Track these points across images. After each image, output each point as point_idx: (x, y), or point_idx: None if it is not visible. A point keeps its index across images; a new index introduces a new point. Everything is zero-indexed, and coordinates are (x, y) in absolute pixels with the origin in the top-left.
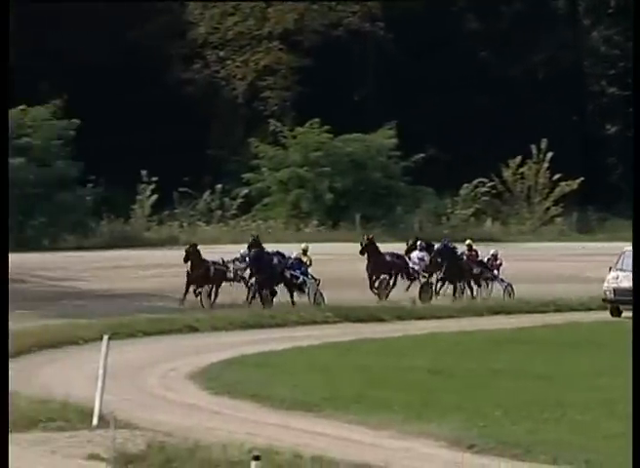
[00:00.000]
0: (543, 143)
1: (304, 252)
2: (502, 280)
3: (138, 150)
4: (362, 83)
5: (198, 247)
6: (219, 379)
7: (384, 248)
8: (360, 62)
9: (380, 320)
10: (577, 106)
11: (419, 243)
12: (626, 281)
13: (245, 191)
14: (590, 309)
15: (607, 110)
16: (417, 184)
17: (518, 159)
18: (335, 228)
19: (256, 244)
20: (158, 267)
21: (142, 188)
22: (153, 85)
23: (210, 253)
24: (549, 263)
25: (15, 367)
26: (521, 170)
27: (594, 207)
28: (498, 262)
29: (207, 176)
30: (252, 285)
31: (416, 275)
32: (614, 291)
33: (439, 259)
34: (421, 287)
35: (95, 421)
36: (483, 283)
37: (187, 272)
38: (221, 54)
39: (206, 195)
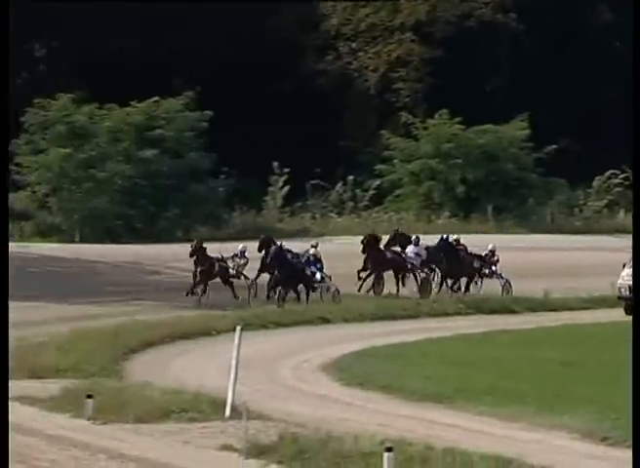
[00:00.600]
0: None
1: (314, 248)
2: (501, 276)
3: (270, 142)
4: (494, 74)
5: (204, 244)
6: (350, 371)
7: (515, 239)
8: (492, 54)
9: (513, 312)
10: None
11: (415, 237)
12: None
13: (377, 183)
14: None
15: None
16: (549, 176)
17: None
18: (466, 220)
19: (267, 241)
20: None
21: (275, 180)
22: (286, 77)
23: (342, 244)
24: None
25: (148, 358)
26: None
27: None
28: (495, 258)
29: (339, 168)
30: (271, 283)
31: (413, 270)
32: (629, 288)
33: (440, 255)
34: (421, 282)
35: (227, 412)
36: (479, 279)
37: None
38: (354, 45)
39: (338, 186)
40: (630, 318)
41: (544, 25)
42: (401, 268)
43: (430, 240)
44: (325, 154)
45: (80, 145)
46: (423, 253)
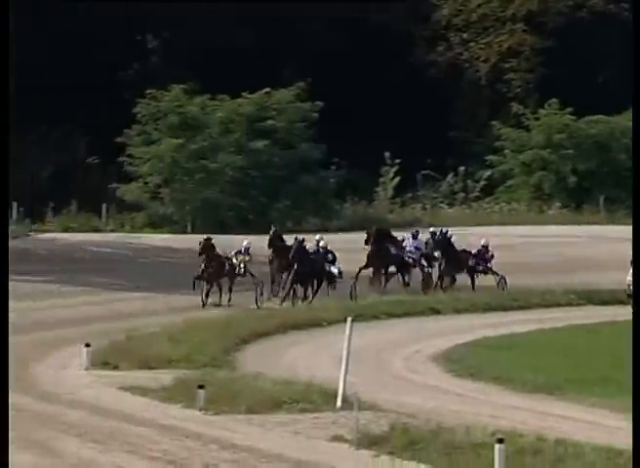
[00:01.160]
0: None
1: (318, 243)
2: (496, 272)
3: (381, 132)
4: (606, 64)
5: (213, 240)
6: (461, 362)
7: (628, 231)
8: (604, 44)
9: (622, 303)
10: None
11: (414, 231)
12: None
13: (488, 173)
14: None
15: None
16: None
17: None
18: (578, 210)
19: (277, 238)
20: None
21: (386, 170)
22: (397, 67)
23: (453, 235)
24: None
25: (260, 348)
26: None
27: None
28: (489, 254)
29: (450, 159)
30: (290, 280)
31: (414, 265)
32: None
33: (438, 251)
34: (423, 278)
35: (338, 403)
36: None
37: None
38: (465, 36)
39: (449, 177)
40: None
41: None
42: (405, 264)
43: (540, 230)
44: (436, 145)
45: (192, 136)
46: (423, 247)
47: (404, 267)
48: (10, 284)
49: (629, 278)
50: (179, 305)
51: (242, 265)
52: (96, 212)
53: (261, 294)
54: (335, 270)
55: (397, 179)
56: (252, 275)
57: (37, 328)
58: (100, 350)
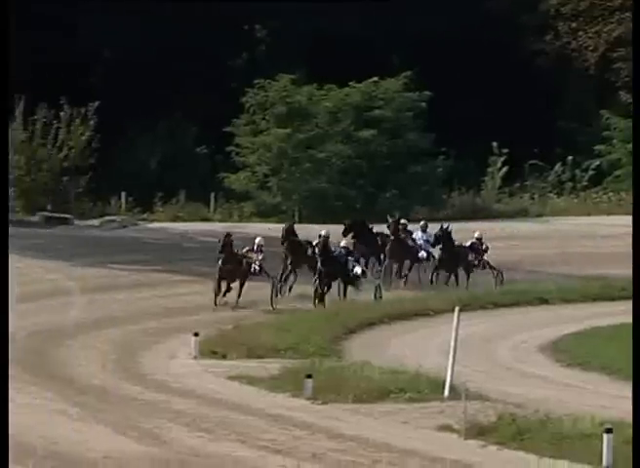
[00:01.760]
0: None
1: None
2: (493, 267)
3: (488, 122)
4: None
5: (232, 237)
6: (570, 352)
7: None
8: None
9: None
10: None
11: (422, 224)
12: None
13: (596, 163)
14: None
15: None
16: None
17: None
18: None
19: (290, 231)
20: (508, 239)
21: (493, 160)
22: (505, 56)
23: (563, 225)
24: None
25: (367, 337)
26: None
27: None
28: (483, 247)
29: (558, 148)
30: (315, 280)
31: (428, 259)
32: None
33: (439, 246)
34: (433, 271)
35: (446, 392)
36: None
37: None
38: (573, 25)
39: (557, 167)
40: None
41: None
42: (418, 259)
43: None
44: (544, 134)
45: (299, 126)
46: (432, 240)
47: (419, 262)
48: (120, 273)
49: None
50: (286, 294)
51: (260, 263)
52: (204, 201)
53: (277, 295)
54: (358, 270)
55: (505, 169)
56: (267, 274)
57: (146, 317)
58: (209, 339)
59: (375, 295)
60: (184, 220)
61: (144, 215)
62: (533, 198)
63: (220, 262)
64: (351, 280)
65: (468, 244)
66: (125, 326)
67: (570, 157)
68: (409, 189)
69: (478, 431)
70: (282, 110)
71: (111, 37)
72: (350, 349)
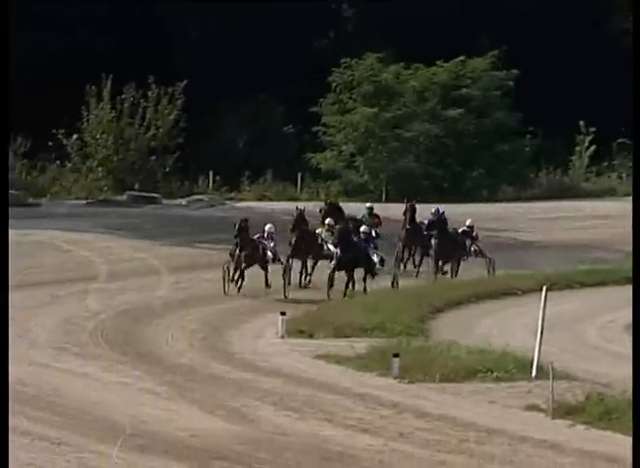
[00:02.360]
0: None
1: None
2: (485, 255)
3: (575, 101)
4: None
5: (249, 222)
6: None
7: None
8: None
9: None
10: None
11: (433, 208)
12: None
13: None
14: None
15: None
16: None
17: None
18: None
19: (301, 218)
20: (595, 218)
21: (581, 139)
22: (593, 34)
23: None
24: None
25: (454, 317)
26: None
27: None
28: (474, 234)
29: None
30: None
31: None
32: None
33: (433, 232)
34: (435, 259)
35: (533, 372)
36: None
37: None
38: None
39: None
40: None
41: None
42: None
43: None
44: (631, 113)
45: (386, 105)
46: (467, 230)
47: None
48: (207, 252)
49: None
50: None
51: (272, 251)
52: (291, 180)
53: (289, 283)
54: (376, 258)
55: (592, 148)
56: (281, 262)
57: (234, 297)
58: (296, 318)
59: (392, 284)
60: (271, 200)
61: (232, 195)
62: (621, 177)
63: (236, 248)
64: (371, 268)
65: (460, 231)
66: (212, 305)
67: None
68: (496, 168)
69: (565, 410)
70: (369, 89)
71: (197, 19)
72: (437, 328)
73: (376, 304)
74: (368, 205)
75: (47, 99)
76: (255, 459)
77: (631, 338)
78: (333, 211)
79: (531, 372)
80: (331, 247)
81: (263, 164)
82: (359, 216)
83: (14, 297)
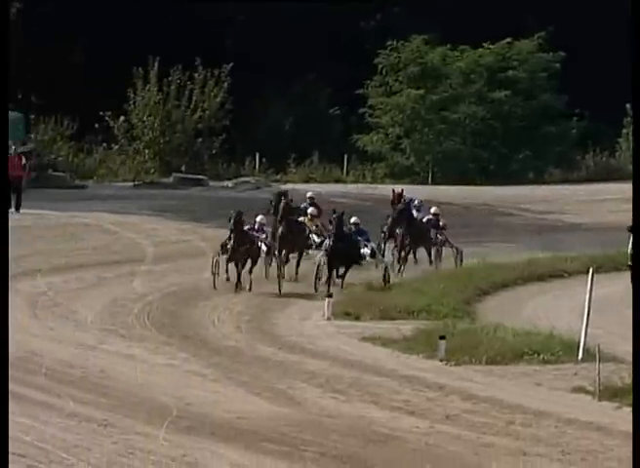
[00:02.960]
0: None
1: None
2: (452, 245)
3: (623, 82)
4: None
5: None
6: None
7: None
8: None
9: None
10: None
11: (416, 202)
12: None
13: None
14: None
15: None
16: None
17: None
18: None
19: (287, 208)
20: None
21: (628, 121)
22: None
23: None
24: None
25: (500, 299)
26: None
27: None
28: (441, 224)
29: None
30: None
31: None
32: None
33: (400, 222)
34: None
35: (580, 354)
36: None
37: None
38: None
39: None
40: None
41: None
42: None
43: None
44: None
45: (432, 87)
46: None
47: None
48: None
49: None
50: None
51: (267, 244)
52: (337, 162)
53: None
54: (367, 251)
55: None
56: (274, 255)
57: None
58: (342, 301)
59: (383, 277)
60: (317, 182)
61: (278, 177)
62: None
63: (231, 242)
64: (359, 263)
65: (425, 220)
66: (258, 287)
67: None
68: (543, 150)
69: (612, 393)
70: (415, 71)
71: (244, 1)
72: (484, 310)
73: (422, 287)
74: (309, 195)
75: (94, 82)
76: (301, 441)
77: None
78: (280, 200)
79: (577, 355)
80: (314, 237)
81: (310, 146)
82: (302, 206)
83: (60, 279)
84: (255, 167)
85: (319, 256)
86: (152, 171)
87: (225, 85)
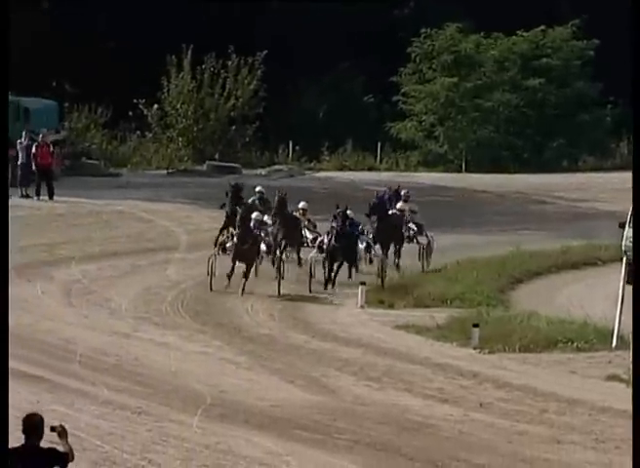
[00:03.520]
0: None
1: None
2: (426, 234)
3: None
4: None
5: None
6: None
7: None
8: None
9: None
10: None
11: (403, 192)
12: None
13: None
14: None
15: None
16: None
17: None
18: None
19: (282, 204)
20: None
21: None
22: None
23: None
24: None
25: (534, 287)
26: None
27: None
28: (406, 218)
29: None
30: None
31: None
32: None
33: (373, 216)
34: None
35: (614, 342)
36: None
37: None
38: None
39: None
40: None
41: None
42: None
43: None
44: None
45: (466, 75)
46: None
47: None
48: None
49: (626, 243)
50: (462, 242)
51: (267, 242)
52: (370, 150)
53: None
54: (362, 245)
55: None
56: (274, 254)
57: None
58: (376, 288)
59: (378, 272)
60: (351, 170)
61: (311, 165)
62: None
63: (235, 240)
64: (355, 264)
65: (390, 213)
66: (291, 274)
67: None
68: (576, 138)
69: None
70: (449, 59)
71: None
72: (517, 299)
73: (455, 275)
74: (258, 189)
75: (127, 70)
76: (334, 429)
77: None
78: (236, 193)
79: (611, 343)
80: (307, 233)
81: (343, 134)
82: (249, 201)
83: (94, 267)
84: (288, 155)
85: (312, 254)
86: (186, 159)
87: (259, 73)
